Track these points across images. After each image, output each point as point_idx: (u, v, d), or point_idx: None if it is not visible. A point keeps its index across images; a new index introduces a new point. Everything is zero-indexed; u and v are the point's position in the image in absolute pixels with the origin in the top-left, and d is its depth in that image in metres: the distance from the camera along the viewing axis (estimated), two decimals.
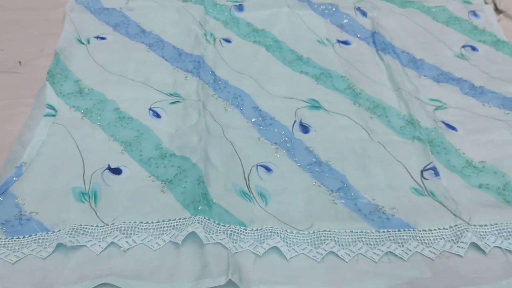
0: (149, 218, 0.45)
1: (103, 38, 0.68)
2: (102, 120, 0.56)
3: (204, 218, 0.44)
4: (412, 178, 0.51)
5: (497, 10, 0.79)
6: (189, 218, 0.45)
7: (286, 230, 0.45)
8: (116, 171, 0.50)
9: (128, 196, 0.48)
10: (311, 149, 0.54)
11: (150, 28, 0.71)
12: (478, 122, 0.59)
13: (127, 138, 0.54)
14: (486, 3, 0.80)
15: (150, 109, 0.58)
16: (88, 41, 0.67)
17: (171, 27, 0.71)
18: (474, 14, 0.77)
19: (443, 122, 0.58)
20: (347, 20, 0.75)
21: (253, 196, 0.49)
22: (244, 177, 0.50)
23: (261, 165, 0.52)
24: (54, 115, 0.56)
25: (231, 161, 0.52)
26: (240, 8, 0.75)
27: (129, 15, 0.73)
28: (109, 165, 0.50)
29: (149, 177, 0.50)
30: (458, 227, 0.45)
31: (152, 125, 0.56)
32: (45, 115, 0.55)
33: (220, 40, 0.69)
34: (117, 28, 0.70)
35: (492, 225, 0.46)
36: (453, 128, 0.58)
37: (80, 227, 0.44)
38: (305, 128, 0.57)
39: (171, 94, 0.60)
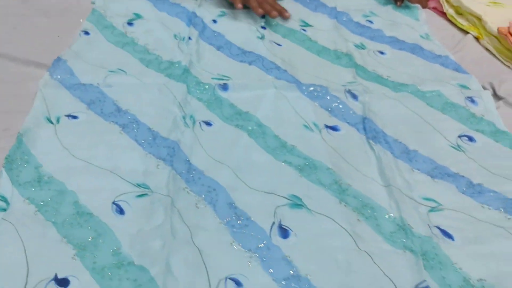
0: None
1: (74, 117, 0.64)
2: (57, 217, 0.50)
3: None
4: None
5: (496, 96, 0.75)
6: None
7: None
8: (63, 282, 0.44)
9: None
10: (289, 259, 0.48)
11: (127, 106, 0.66)
12: (477, 229, 0.53)
13: (82, 240, 0.48)
14: (484, 88, 0.75)
15: (113, 203, 0.52)
16: (58, 120, 0.63)
17: (149, 106, 0.67)
18: (472, 100, 0.72)
19: (439, 228, 0.52)
20: (336, 104, 0.70)
21: None
22: None
23: (230, 278, 0.46)
24: (5, 210, 0.50)
25: (196, 273, 0.46)
26: (224, 87, 0.71)
27: (106, 92, 0.68)
28: (56, 275, 0.44)
29: None
30: None
31: (112, 224, 0.50)
32: None
33: (200, 123, 0.65)
34: (91, 106, 0.66)
35: None
36: (450, 236, 0.52)
37: None
38: (284, 232, 0.51)
39: (139, 185, 0.55)
